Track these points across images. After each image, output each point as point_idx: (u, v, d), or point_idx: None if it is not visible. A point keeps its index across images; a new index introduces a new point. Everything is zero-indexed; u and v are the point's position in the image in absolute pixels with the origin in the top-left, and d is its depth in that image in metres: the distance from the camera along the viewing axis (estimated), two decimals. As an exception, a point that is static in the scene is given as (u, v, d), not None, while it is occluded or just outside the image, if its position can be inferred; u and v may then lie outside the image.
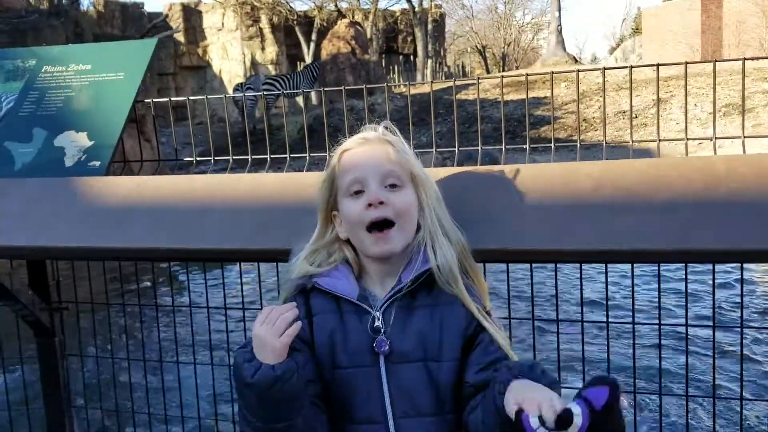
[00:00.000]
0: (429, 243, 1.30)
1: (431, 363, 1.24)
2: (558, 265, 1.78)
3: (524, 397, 1.02)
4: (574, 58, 31.51)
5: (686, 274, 1.75)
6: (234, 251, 1.77)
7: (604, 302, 1.96)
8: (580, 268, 1.80)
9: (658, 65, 1.88)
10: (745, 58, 1.87)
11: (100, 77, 2.40)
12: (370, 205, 1.27)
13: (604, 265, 1.74)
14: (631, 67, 1.78)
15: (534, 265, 1.84)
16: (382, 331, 1.25)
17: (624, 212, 1.48)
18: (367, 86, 2.12)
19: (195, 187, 1.90)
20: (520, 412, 1.01)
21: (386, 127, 1.37)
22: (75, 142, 2.26)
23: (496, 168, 1.61)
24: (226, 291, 2.39)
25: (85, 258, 2.06)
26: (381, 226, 1.27)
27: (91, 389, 2.83)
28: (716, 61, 1.95)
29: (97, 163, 2.18)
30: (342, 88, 2.19)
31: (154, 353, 2.65)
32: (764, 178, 1.43)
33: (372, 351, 1.25)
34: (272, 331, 1.14)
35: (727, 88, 14.48)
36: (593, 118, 15.32)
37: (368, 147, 1.33)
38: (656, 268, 1.86)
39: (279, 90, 19.32)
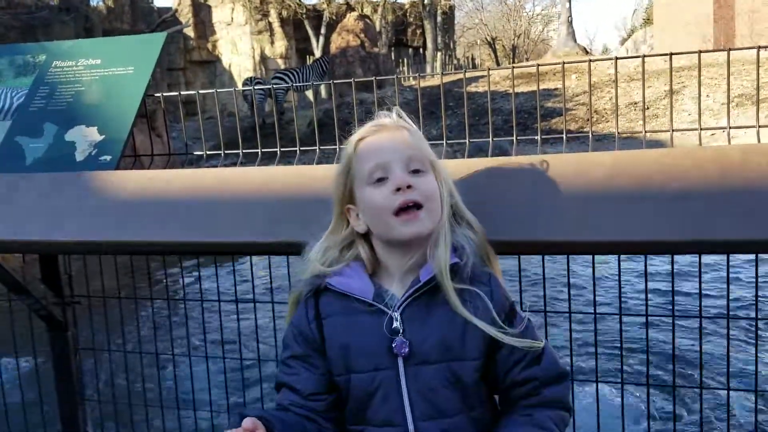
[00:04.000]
0: (448, 235, 1.24)
1: (454, 363, 1.20)
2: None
3: None
4: (585, 49, 31.35)
5: (700, 265, 1.73)
6: (245, 244, 1.76)
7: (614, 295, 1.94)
8: (593, 261, 1.78)
9: (671, 54, 1.86)
10: (759, 47, 1.84)
11: (109, 71, 2.40)
12: (398, 189, 1.21)
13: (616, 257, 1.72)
14: (644, 56, 1.76)
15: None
16: (401, 331, 1.20)
17: (637, 202, 1.46)
18: (377, 78, 2.10)
19: (205, 181, 1.90)
20: None
21: (398, 114, 1.32)
22: (86, 136, 2.26)
23: (506, 159, 1.59)
24: (237, 283, 2.39)
25: (97, 252, 2.07)
26: (408, 209, 1.22)
27: (104, 383, 2.84)
28: (731, 49, 1.92)
29: (108, 158, 2.18)
30: (351, 80, 2.17)
31: (167, 346, 2.66)
32: (780, 167, 1.41)
33: (389, 353, 1.20)
34: None
35: (740, 78, 14.34)
36: (604, 109, 15.23)
37: (386, 133, 1.28)
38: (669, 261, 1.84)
39: (288, 84, 19.33)
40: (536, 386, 1.22)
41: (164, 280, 2.55)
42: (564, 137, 1.98)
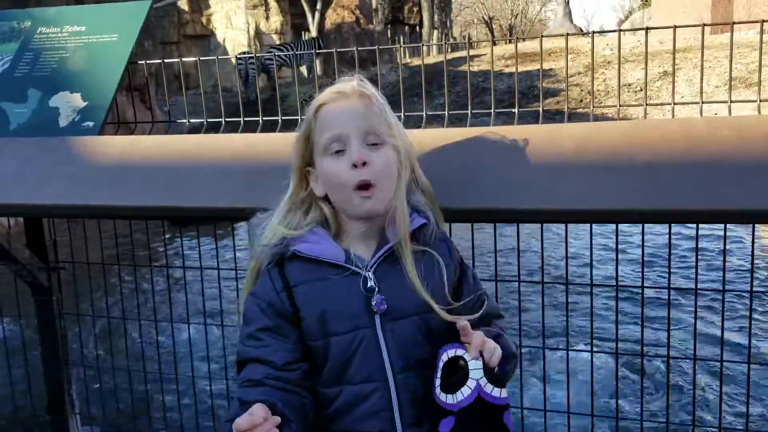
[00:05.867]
0: (406, 205, 1.28)
1: (426, 315, 1.24)
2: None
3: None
4: (582, 30, 31.21)
5: (669, 235, 1.77)
6: (225, 209, 1.79)
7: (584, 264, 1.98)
8: (566, 229, 1.81)
9: (674, 27, 1.86)
10: (763, 21, 1.82)
11: (94, 39, 2.41)
12: (354, 165, 1.23)
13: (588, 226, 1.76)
14: (620, 30, 1.77)
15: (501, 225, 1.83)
16: (376, 290, 1.23)
17: (606, 173, 1.50)
18: (359, 49, 2.11)
19: (186, 147, 1.92)
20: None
21: (360, 81, 1.31)
22: (69, 102, 2.28)
23: (482, 129, 1.62)
24: (220, 252, 2.42)
25: (79, 216, 2.10)
26: (365, 186, 1.25)
27: (87, 350, 2.88)
28: (734, 23, 1.92)
29: (91, 124, 2.20)
30: (334, 50, 2.18)
31: (150, 314, 2.69)
32: (745, 140, 1.44)
33: (368, 312, 1.23)
34: None
35: (734, 61, 14.34)
36: (597, 90, 15.22)
37: (346, 102, 1.28)
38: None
39: (281, 59, 19.20)
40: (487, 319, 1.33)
41: (148, 248, 2.58)
42: (566, 110, 1.99)
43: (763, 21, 1.86)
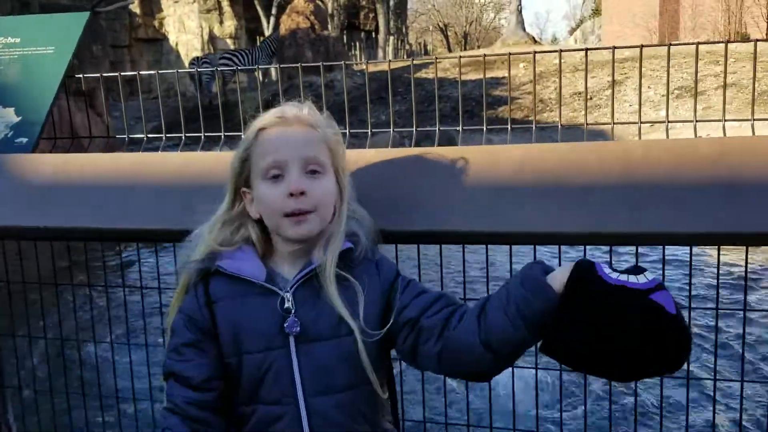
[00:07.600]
0: (342, 233, 1.29)
1: (346, 338, 1.23)
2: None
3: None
4: (534, 38, 31.73)
5: (611, 256, 1.79)
6: (158, 231, 1.74)
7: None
8: (510, 251, 1.82)
9: (614, 48, 1.89)
10: (698, 42, 1.88)
11: (29, 51, 2.33)
12: (291, 194, 1.24)
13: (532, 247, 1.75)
14: (587, 49, 1.78)
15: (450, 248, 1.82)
16: (293, 311, 1.23)
17: (544, 195, 1.50)
18: (324, 63, 2.11)
19: (121, 166, 1.87)
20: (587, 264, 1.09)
21: (309, 109, 1.32)
22: (2, 117, 2.20)
23: (420, 151, 1.61)
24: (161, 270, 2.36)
25: (9, 237, 2.02)
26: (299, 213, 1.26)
27: (26, 370, 2.78)
28: (671, 44, 1.96)
29: (25, 140, 2.13)
30: (299, 65, 2.15)
31: (88, 333, 2.61)
32: (680, 163, 1.46)
33: (281, 333, 1.23)
34: None
35: (680, 70, 14.74)
36: (549, 98, 15.47)
37: (288, 128, 1.28)
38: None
39: (236, 65, 19.04)
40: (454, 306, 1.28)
41: (86, 267, 2.51)
42: (509, 127, 2.00)
43: (699, 43, 1.90)
